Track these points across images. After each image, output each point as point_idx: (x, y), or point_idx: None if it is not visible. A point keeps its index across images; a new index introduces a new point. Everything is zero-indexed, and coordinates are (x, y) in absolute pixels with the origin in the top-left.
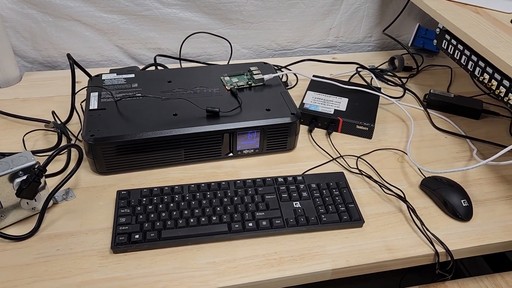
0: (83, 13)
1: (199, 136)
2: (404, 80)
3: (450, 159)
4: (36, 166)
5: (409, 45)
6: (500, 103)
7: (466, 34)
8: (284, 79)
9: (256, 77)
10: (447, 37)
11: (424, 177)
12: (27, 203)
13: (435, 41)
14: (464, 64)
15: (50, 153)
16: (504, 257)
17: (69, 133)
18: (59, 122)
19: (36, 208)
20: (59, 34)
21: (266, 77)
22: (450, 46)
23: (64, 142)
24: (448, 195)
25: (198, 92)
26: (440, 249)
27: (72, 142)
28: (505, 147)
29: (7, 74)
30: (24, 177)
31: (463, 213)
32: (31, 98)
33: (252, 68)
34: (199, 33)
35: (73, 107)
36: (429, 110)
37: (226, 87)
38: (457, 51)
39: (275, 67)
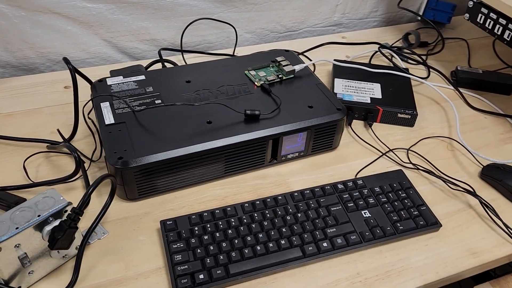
0: (63, 4)
1: (242, 145)
2: (424, 58)
3: (497, 142)
4: (70, 209)
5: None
6: None
7: (511, 7)
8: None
9: (286, 68)
10: (484, 10)
11: (481, 166)
12: (58, 251)
13: (466, 15)
14: (508, 39)
15: (67, 182)
16: None
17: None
18: (63, 142)
19: (67, 255)
20: (35, 31)
21: (298, 67)
22: (489, 20)
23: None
24: None
25: (225, 92)
26: None
27: (85, 164)
28: None
29: None
30: (56, 223)
31: None
32: (15, 112)
33: (278, 59)
34: (199, 20)
35: (77, 122)
36: (460, 89)
37: (255, 83)
38: (498, 25)
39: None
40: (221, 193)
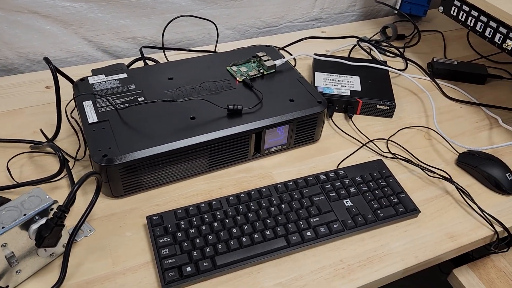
0: (41, 3)
1: (225, 140)
2: (401, 50)
3: (472, 130)
4: (56, 207)
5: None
6: (499, 65)
7: (484, 0)
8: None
9: (267, 63)
10: (457, 3)
11: (458, 153)
12: (45, 249)
13: (441, 7)
14: (481, 31)
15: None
16: None
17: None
18: (46, 141)
19: (54, 253)
20: (13, 31)
21: (278, 62)
22: (462, 12)
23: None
24: (492, 170)
25: (208, 88)
26: (498, 228)
27: (70, 163)
28: None
29: None
30: (43, 222)
31: (509, 187)
32: None
33: (259, 54)
34: (179, 17)
35: (59, 121)
36: (436, 80)
37: (237, 78)
38: (470, 17)
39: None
40: (206, 188)
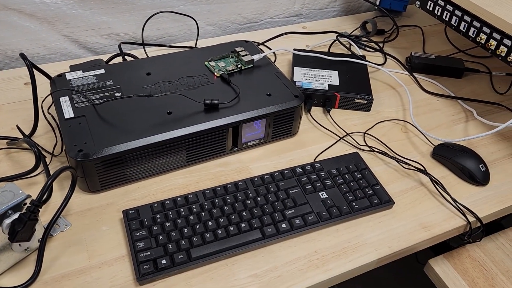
0: (19, 0)
1: (202, 134)
2: (381, 45)
3: (449, 123)
4: (29, 201)
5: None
6: (476, 59)
7: None
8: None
9: (245, 58)
10: None
11: (433, 146)
12: (20, 244)
13: (417, 2)
14: (455, 25)
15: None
16: None
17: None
18: (23, 137)
19: (29, 248)
20: None
21: (256, 57)
22: (437, 7)
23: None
24: (465, 162)
25: (186, 83)
26: (471, 218)
27: (47, 159)
28: (495, 103)
29: None
30: (16, 216)
31: (482, 178)
32: None
33: (237, 49)
34: (159, 13)
35: (37, 117)
36: (414, 74)
37: (215, 73)
38: (445, 11)
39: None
40: (183, 182)
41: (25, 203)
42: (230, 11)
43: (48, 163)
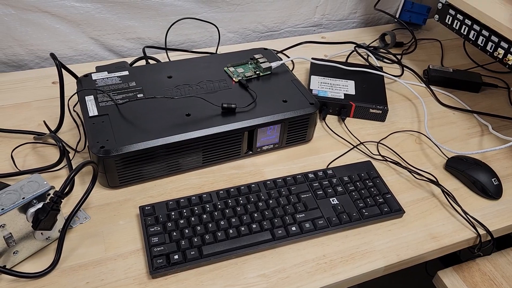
0: (52, 3)
1: (219, 136)
2: (399, 57)
3: (464, 136)
4: (52, 192)
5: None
6: (495, 74)
7: (475, 8)
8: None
9: (263, 65)
10: (451, 12)
11: (447, 158)
12: (42, 233)
13: (436, 16)
14: (473, 39)
15: (52, 171)
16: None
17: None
18: (49, 133)
19: (50, 237)
20: (25, 29)
21: (274, 64)
22: (456, 21)
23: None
24: (478, 175)
25: (205, 87)
26: (481, 231)
27: (70, 154)
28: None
29: None
30: (40, 206)
31: (494, 192)
32: (4, 105)
33: (256, 56)
34: (183, 19)
35: (63, 114)
36: (431, 87)
37: (234, 79)
38: (464, 26)
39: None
40: (198, 182)
41: (49, 194)
42: (251, 19)
43: (71, 158)
